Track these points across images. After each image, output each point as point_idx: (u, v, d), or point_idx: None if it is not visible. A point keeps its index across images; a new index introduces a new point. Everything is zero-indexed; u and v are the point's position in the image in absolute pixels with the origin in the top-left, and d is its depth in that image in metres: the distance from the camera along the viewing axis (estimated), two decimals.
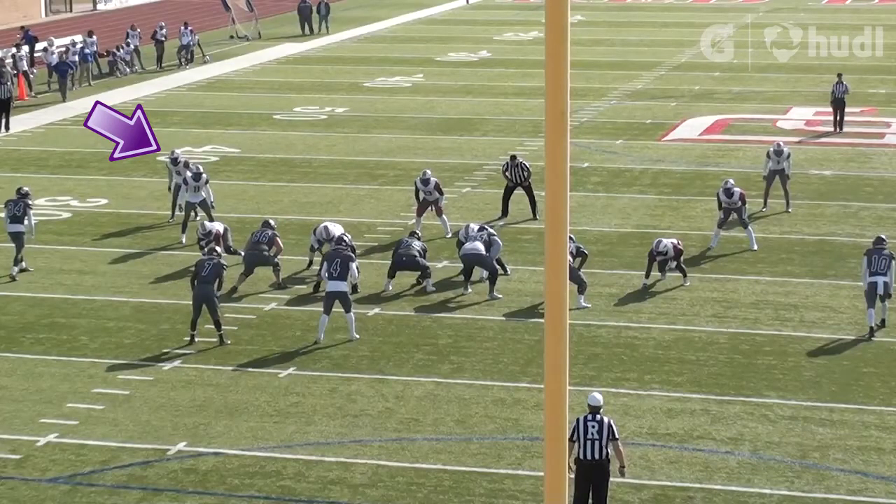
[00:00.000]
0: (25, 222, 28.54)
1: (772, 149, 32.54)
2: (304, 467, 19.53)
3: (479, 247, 26.62)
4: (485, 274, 26.88)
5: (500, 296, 26.47)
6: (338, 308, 24.28)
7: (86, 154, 39.74)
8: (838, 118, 41.63)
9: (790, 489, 18.78)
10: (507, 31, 66.47)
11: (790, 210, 32.46)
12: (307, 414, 21.35)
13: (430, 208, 30.58)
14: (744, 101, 47.27)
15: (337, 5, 72.08)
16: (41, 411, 21.56)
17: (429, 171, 30.91)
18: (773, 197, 32.48)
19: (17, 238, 28.47)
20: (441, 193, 30.59)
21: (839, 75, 41.74)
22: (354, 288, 25.72)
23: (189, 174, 30.62)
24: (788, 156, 32.40)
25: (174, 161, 31.83)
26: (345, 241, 26.11)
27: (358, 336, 24.45)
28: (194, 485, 19.01)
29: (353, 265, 24.53)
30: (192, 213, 30.61)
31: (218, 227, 28.29)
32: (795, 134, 41.42)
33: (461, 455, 19.88)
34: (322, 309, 24.43)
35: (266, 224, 27.90)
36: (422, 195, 30.62)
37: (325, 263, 24.82)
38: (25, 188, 29.53)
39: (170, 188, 32.34)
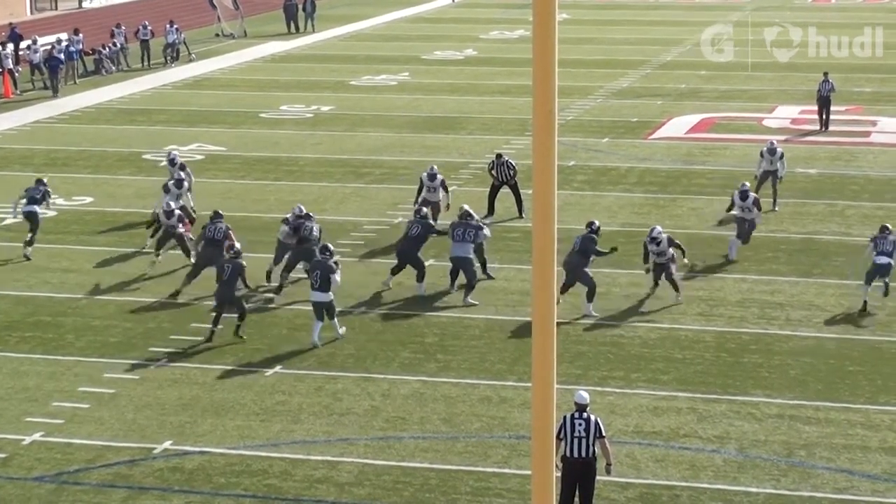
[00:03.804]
0: (42, 206, 29.60)
1: (765, 148, 32.61)
2: (290, 466, 19.50)
3: (470, 251, 26.62)
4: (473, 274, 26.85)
5: (475, 302, 26.24)
6: None
7: (71, 152, 39.66)
8: (824, 117, 41.68)
9: (776, 487, 18.79)
10: (493, 29, 66.48)
11: (776, 209, 32.49)
12: (293, 412, 21.32)
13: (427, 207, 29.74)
14: (730, 100, 47.31)
15: (323, 3, 71.98)
16: (27, 410, 21.50)
17: (435, 167, 30.88)
18: (761, 196, 32.44)
19: (32, 218, 29.19)
20: (446, 191, 30.53)
21: (825, 74, 41.81)
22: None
23: (171, 181, 30.53)
24: (782, 156, 32.42)
25: (171, 162, 32.19)
26: (329, 249, 25.86)
27: (343, 330, 24.35)
28: (180, 483, 18.97)
29: (335, 276, 24.34)
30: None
31: (176, 211, 28.40)
32: (781, 132, 41.42)
33: (447, 453, 19.87)
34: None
35: (217, 215, 27.09)
36: (424, 190, 30.36)
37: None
38: (45, 179, 30.63)
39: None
